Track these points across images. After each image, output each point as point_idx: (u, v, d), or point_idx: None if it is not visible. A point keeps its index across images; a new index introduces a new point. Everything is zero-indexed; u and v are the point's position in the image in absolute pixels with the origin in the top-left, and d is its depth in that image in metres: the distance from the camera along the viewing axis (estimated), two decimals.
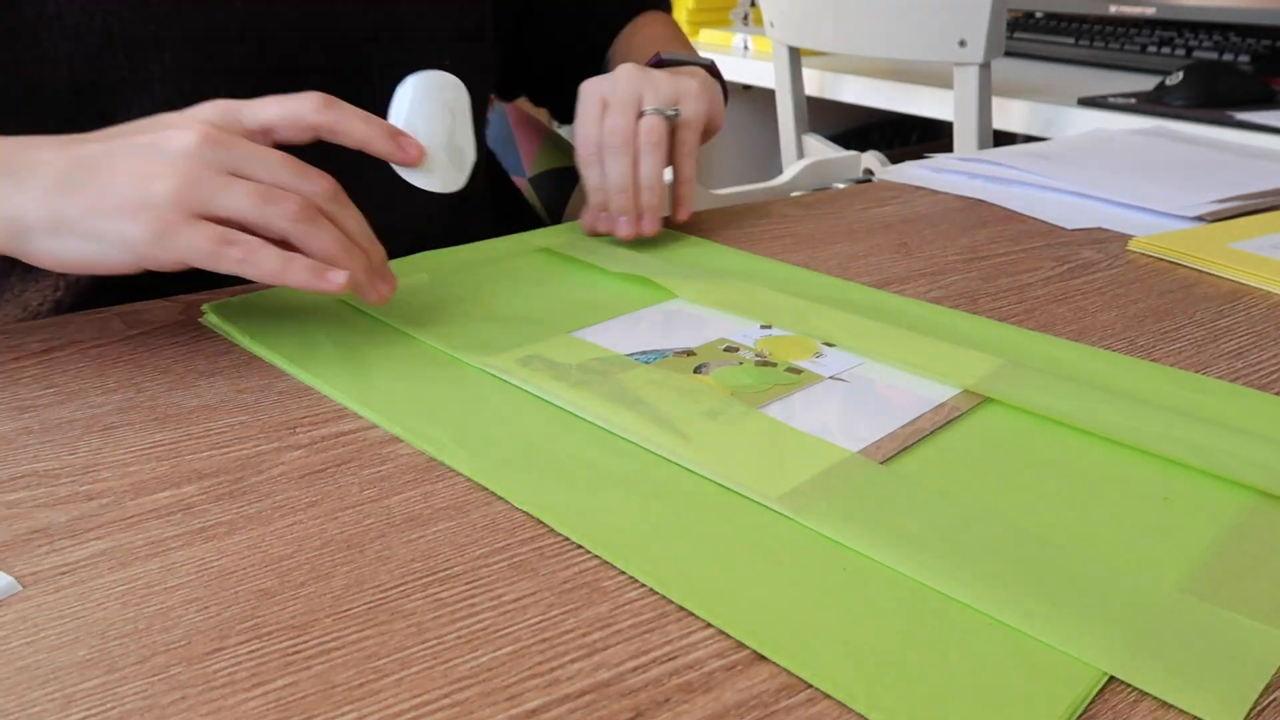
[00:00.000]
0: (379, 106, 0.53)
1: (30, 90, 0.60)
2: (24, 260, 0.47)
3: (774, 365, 0.49)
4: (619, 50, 0.89)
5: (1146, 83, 1.33)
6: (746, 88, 1.94)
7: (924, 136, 1.89)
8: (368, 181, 0.53)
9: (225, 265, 0.45)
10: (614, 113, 0.64)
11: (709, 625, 0.32)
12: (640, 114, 0.65)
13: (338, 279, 0.46)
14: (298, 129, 0.49)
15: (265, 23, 0.64)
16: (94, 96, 0.61)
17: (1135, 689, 0.29)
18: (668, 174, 0.67)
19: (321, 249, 0.47)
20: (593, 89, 0.67)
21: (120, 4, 0.59)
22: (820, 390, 0.46)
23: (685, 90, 0.67)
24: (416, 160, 0.52)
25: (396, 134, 0.52)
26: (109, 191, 0.45)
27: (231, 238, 0.45)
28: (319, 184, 0.47)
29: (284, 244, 0.46)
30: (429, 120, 0.54)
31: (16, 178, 0.45)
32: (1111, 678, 0.30)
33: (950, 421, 0.44)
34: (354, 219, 0.49)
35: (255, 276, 0.45)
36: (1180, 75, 1.20)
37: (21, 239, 0.46)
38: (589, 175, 0.66)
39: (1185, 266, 0.66)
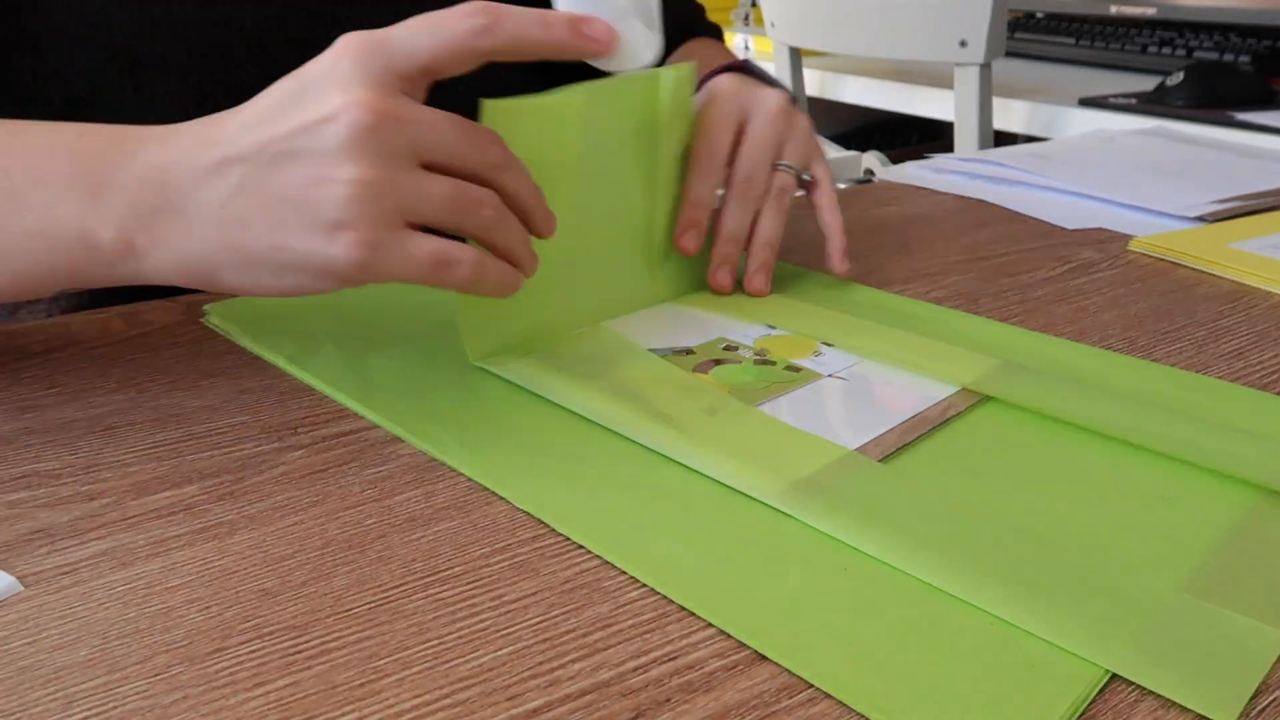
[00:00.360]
0: None
1: (22, 101, 0.59)
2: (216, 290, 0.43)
3: (773, 364, 0.49)
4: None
5: (1147, 83, 1.33)
6: None
7: (925, 137, 1.89)
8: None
9: (449, 285, 0.41)
10: (752, 156, 0.58)
11: (710, 625, 0.32)
12: (774, 166, 0.59)
13: (517, 283, 0.44)
14: (463, 61, 0.42)
15: (272, 45, 0.63)
16: (89, 113, 0.59)
17: (1136, 688, 0.29)
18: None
19: (510, 251, 0.43)
20: (731, 107, 0.59)
21: (128, 21, 0.58)
22: (819, 388, 0.47)
23: (816, 150, 0.62)
24: (611, 45, 0.44)
25: (579, 24, 0.43)
26: (287, 217, 0.39)
27: (445, 254, 0.40)
28: (490, 152, 0.42)
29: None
30: None
31: (180, 216, 0.41)
32: (1112, 677, 0.30)
33: (948, 420, 0.44)
34: (521, 184, 0.43)
35: (484, 294, 0.43)
36: (1181, 75, 1.21)
37: (210, 278, 0.42)
38: (696, 187, 0.57)
39: (1186, 267, 0.66)
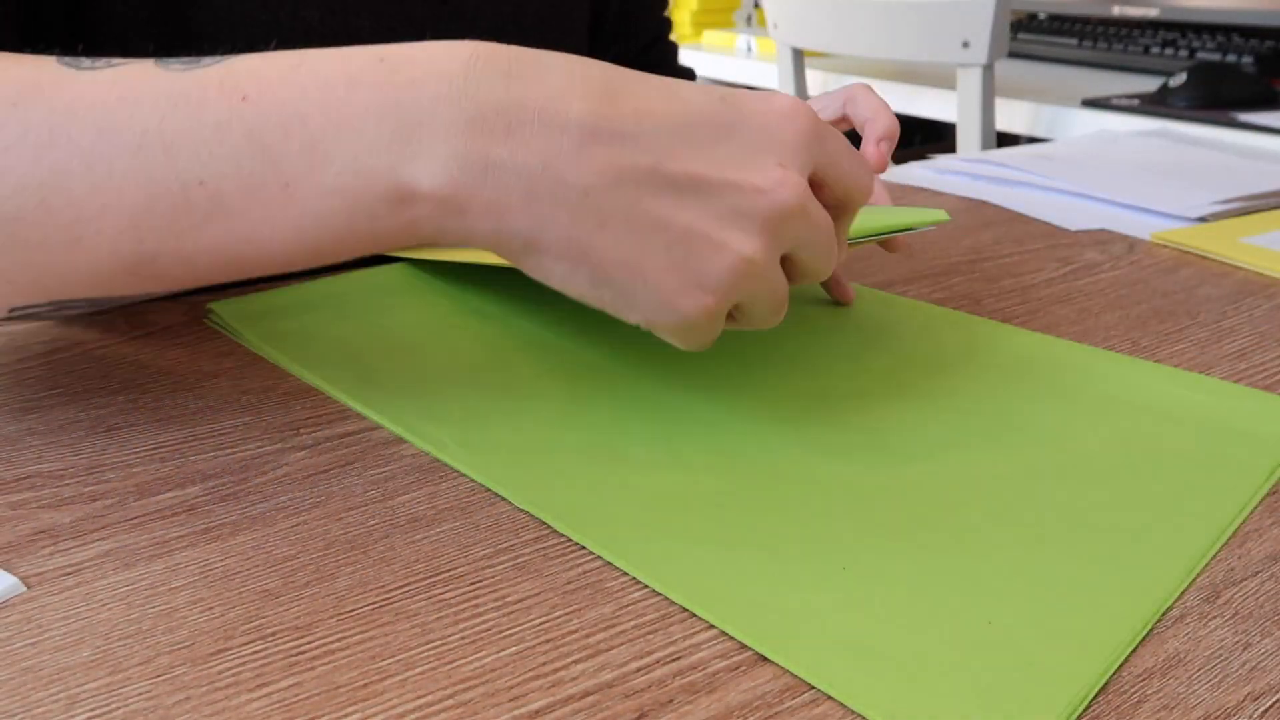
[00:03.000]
0: None
1: None
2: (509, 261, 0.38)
3: None
4: None
5: (1150, 84, 1.33)
6: (750, 89, 1.94)
7: (927, 138, 1.89)
8: None
9: (688, 347, 0.39)
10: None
11: (712, 626, 0.32)
12: None
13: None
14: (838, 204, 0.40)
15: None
16: None
17: (1138, 688, 0.29)
18: None
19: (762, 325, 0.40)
20: (885, 118, 0.58)
21: (253, 23, 0.58)
22: None
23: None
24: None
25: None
26: (659, 247, 0.36)
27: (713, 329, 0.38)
28: (830, 266, 0.40)
29: None
30: None
31: (525, 181, 0.35)
32: (1113, 677, 0.30)
33: None
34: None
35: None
36: (1184, 76, 1.20)
37: (521, 255, 0.37)
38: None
39: (1189, 268, 0.66)
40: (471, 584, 0.34)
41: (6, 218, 0.35)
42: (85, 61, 0.37)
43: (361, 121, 0.35)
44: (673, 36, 0.93)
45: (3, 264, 0.36)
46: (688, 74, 0.93)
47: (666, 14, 0.90)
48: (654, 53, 0.89)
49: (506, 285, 0.60)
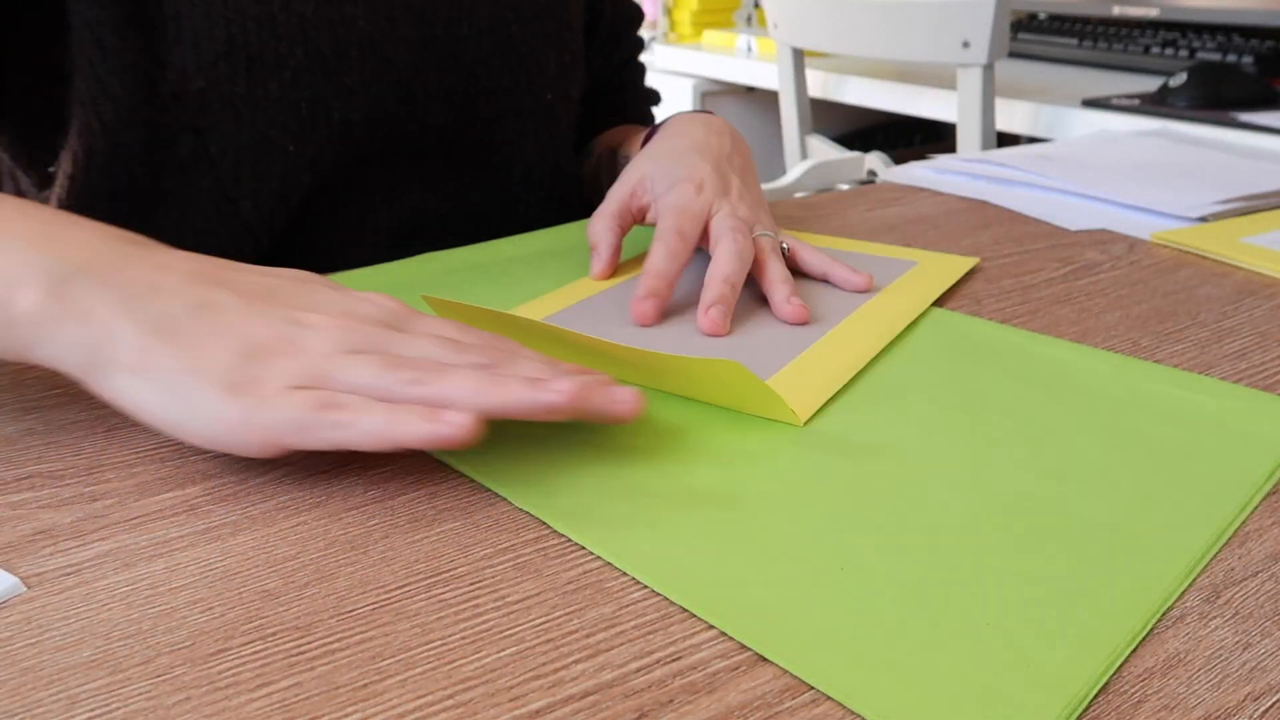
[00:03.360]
0: (483, 127, 0.49)
1: (130, 88, 0.58)
2: (94, 392, 0.38)
3: None
4: (604, 139, 0.87)
5: (1150, 84, 1.33)
6: (750, 89, 1.94)
7: (928, 138, 1.89)
8: (433, 170, 0.49)
9: (321, 435, 0.37)
10: (733, 230, 0.56)
11: (712, 626, 0.32)
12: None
13: (456, 419, 0.36)
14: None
15: (385, 44, 0.63)
16: (194, 108, 0.58)
17: (1138, 689, 0.29)
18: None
19: (450, 392, 0.37)
20: (693, 171, 0.59)
21: (245, 16, 0.58)
22: None
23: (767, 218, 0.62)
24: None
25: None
26: (210, 348, 0.37)
27: (335, 400, 0.37)
28: (479, 354, 0.39)
29: None
30: None
31: (137, 299, 0.38)
32: (1112, 677, 0.30)
33: None
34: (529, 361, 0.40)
35: (358, 442, 0.37)
36: (1184, 76, 1.20)
37: (101, 371, 0.37)
38: (660, 263, 0.55)
39: (1190, 268, 0.66)
40: (472, 584, 0.34)
41: None
42: None
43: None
44: (644, 57, 0.94)
45: None
46: (653, 95, 0.93)
47: (640, 35, 0.91)
48: (627, 71, 0.90)
49: (506, 287, 0.60)
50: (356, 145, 0.64)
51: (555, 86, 0.69)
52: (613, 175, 0.69)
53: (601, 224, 0.60)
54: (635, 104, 0.90)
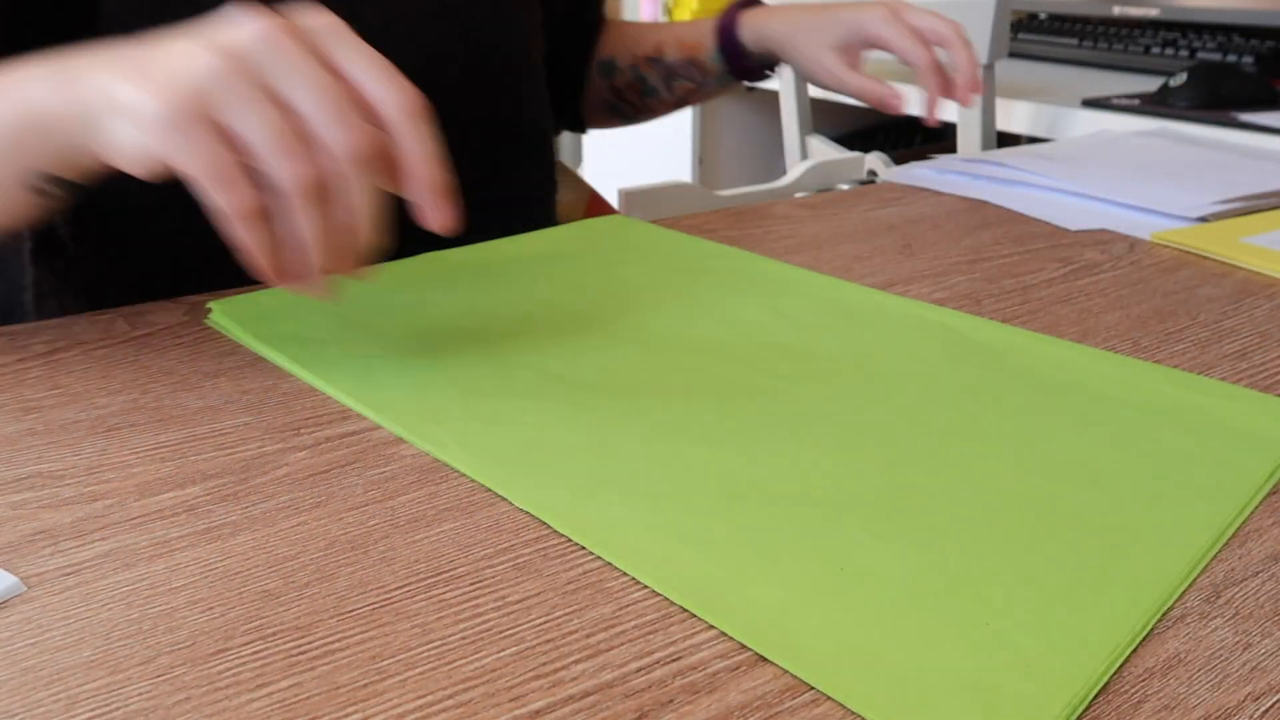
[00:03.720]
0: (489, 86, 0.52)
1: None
2: (100, 159, 0.43)
3: None
4: (620, 41, 0.92)
5: (1150, 84, 1.33)
6: (750, 89, 1.93)
7: (928, 138, 1.89)
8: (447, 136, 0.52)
9: (209, 202, 0.40)
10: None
11: (712, 626, 0.32)
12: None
13: (288, 283, 0.42)
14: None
15: (399, 8, 0.66)
16: None
17: (1139, 689, 0.29)
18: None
19: (300, 239, 0.41)
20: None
21: (182, 11, 0.59)
22: None
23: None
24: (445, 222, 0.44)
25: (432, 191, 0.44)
26: (154, 74, 0.40)
27: (227, 175, 0.40)
28: (351, 136, 0.40)
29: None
30: None
31: (80, 67, 0.43)
32: (1112, 678, 0.30)
33: None
34: (364, 196, 0.41)
35: (228, 231, 0.41)
36: (1184, 76, 1.20)
37: (91, 124, 0.42)
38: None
39: (1190, 268, 0.66)
40: (472, 584, 0.34)
41: None
42: None
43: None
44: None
45: None
46: None
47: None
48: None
49: (507, 287, 0.60)
50: None
51: (535, 43, 0.71)
52: (692, 75, 0.87)
53: (851, 76, 0.86)
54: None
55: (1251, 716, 0.28)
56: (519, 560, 0.35)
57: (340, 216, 0.42)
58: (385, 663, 0.30)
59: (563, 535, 0.36)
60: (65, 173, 0.46)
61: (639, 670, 0.30)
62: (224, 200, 0.40)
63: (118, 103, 0.41)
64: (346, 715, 0.28)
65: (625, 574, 0.34)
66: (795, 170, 1.00)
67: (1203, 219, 0.75)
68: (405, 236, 0.68)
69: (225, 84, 0.39)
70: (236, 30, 0.41)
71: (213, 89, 0.39)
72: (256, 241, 0.41)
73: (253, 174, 0.41)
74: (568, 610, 0.32)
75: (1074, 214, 0.78)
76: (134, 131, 0.41)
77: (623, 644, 0.31)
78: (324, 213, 0.41)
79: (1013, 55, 1.64)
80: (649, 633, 0.31)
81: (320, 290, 0.44)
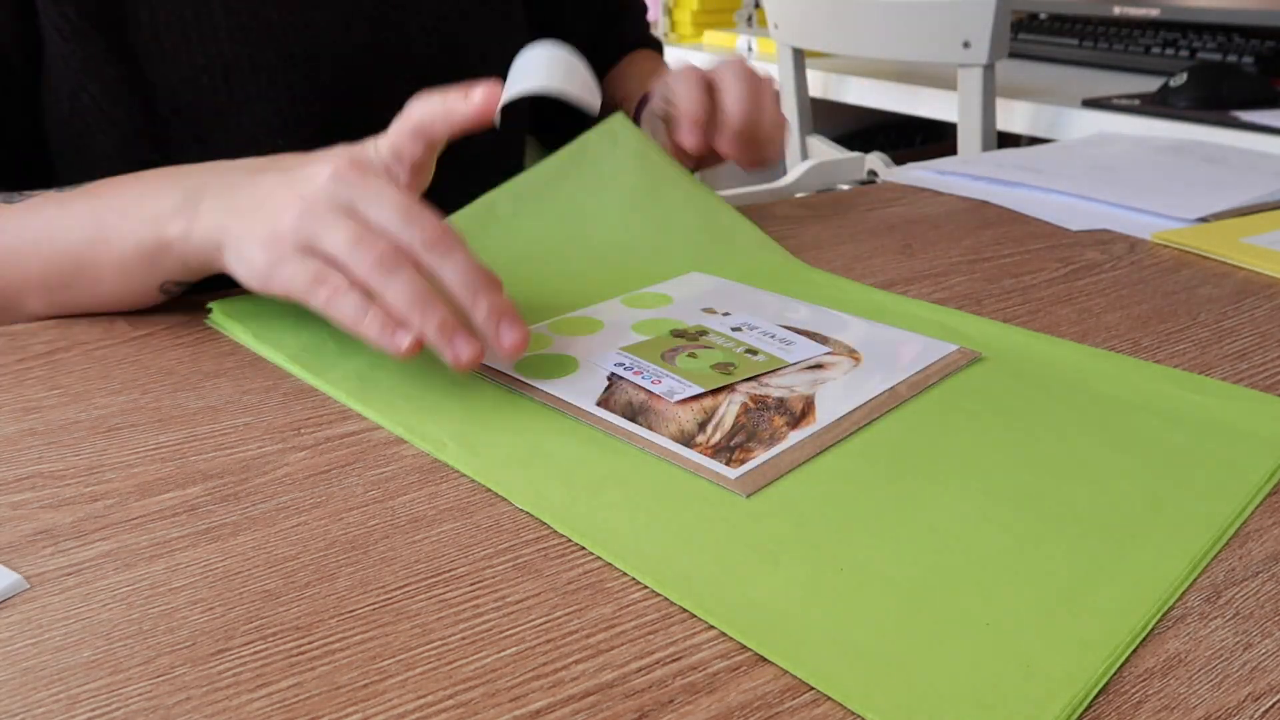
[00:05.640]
0: None
1: (132, 112, 0.63)
2: (220, 272, 0.50)
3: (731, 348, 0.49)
4: (614, 80, 0.93)
5: (1150, 84, 1.33)
6: None
7: (928, 138, 1.89)
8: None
9: (316, 304, 0.45)
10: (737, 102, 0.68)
11: (712, 626, 0.32)
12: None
13: (401, 342, 0.43)
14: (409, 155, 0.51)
15: (344, 48, 0.68)
16: (192, 118, 0.64)
17: (1139, 690, 0.29)
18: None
19: (394, 301, 0.44)
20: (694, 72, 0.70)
21: (221, 28, 0.62)
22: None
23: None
24: (488, 103, 0.51)
25: (463, 93, 0.51)
26: (260, 216, 0.47)
27: (324, 276, 0.45)
28: (420, 230, 0.45)
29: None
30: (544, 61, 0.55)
31: (201, 201, 0.50)
32: (1112, 679, 0.30)
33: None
34: (454, 268, 0.45)
35: (339, 322, 0.45)
36: (1184, 76, 1.20)
37: (218, 253, 0.49)
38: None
39: (1190, 268, 0.66)
40: (472, 584, 0.34)
41: None
42: (15, 197, 0.56)
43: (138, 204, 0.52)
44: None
45: None
46: (655, 42, 0.99)
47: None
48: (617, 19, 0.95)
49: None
50: (340, 137, 0.66)
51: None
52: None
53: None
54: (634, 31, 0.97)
55: (1251, 716, 0.28)
56: (519, 560, 0.35)
57: (424, 281, 0.45)
58: (385, 663, 0.30)
59: (562, 535, 0.36)
60: (190, 279, 0.53)
61: (639, 670, 0.30)
62: (320, 297, 0.45)
63: (231, 243, 0.48)
64: (346, 715, 0.28)
65: (625, 574, 0.34)
66: (796, 170, 1.00)
67: (1202, 219, 0.75)
68: None
69: (311, 219, 0.45)
70: (316, 169, 0.47)
71: (300, 227, 0.45)
72: (351, 312, 0.44)
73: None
74: (568, 610, 0.32)
75: (1074, 214, 0.78)
76: (246, 269, 0.47)
77: (623, 644, 0.31)
78: (409, 278, 0.44)
79: (1013, 55, 1.64)
80: (649, 633, 0.31)
81: (464, 349, 0.44)
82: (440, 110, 0.51)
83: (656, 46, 0.99)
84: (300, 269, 0.45)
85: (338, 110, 0.56)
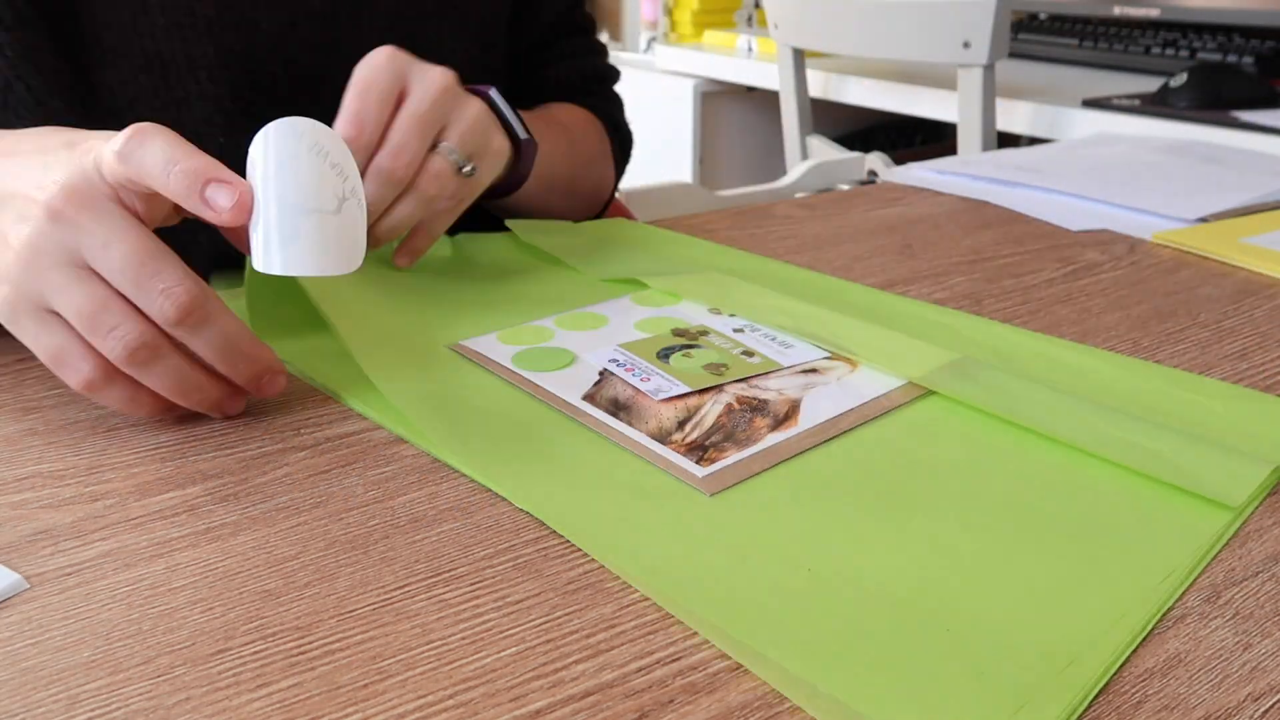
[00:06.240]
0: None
1: (72, 104, 0.61)
2: None
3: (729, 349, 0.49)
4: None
5: (1150, 84, 1.33)
6: (750, 89, 1.94)
7: (928, 138, 1.89)
8: None
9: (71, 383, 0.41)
10: (409, 126, 0.52)
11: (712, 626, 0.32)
12: (434, 144, 0.54)
13: (170, 414, 0.43)
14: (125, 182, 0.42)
15: (289, 46, 0.65)
16: (135, 116, 0.60)
17: (1139, 690, 0.29)
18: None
19: (156, 389, 0.42)
20: (388, 64, 0.54)
21: (155, 27, 0.61)
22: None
23: (491, 149, 0.58)
24: (235, 214, 0.41)
25: (209, 180, 0.41)
26: None
27: (65, 358, 0.41)
28: (164, 298, 0.40)
29: None
30: (298, 176, 0.41)
31: None
32: (1112, 677, 0.30)
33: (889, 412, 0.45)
34: (206, 343, 0.41)
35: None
36: (1184, 77, 1.20)
37: None
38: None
39: (1190, 269, 0.66)
40: (472, 584, 0.34)
41: None
42: None
43: None
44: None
45: None
46: (593, 70, 0.85)
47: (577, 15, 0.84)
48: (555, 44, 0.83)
49: (507, 285, 0.60)
50: None
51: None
52: None
53: None
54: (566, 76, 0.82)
55: (1251, 716, 0.28)
56: (519, 560, 0.35)
57: (181, 364, 0.42)
58: (385, 663, 0.30)
59: (562, 535, 0.36)
60: None
61: (639, 670, 0.30)
62: (69, 380, 0.41)
63: None
64: (347, 715, 0.28)
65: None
66: (795, 170, 1.00)
67: (1202, 219, 0.75)
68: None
69: (34, 276, 0.40)
70: (29, 200, 0.40)
71: (25, 281, 0.40)
72: (112, 404, 0.42)
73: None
74: (568, 610, 0.32)
75: (1074, 214, 0.78)
76: None
77: (623, 644, 0.31)
78: (163, 370, 0.41)
79: (1013, 55, 1.64)
80: (649, 633, 0.31)
81: (231, 407, 0.44)
82: (193, 189, 0.40)
83: (610, 122, 0.84)
84: (40, 335, 0.41)
85: (286, 110, 0.49)
